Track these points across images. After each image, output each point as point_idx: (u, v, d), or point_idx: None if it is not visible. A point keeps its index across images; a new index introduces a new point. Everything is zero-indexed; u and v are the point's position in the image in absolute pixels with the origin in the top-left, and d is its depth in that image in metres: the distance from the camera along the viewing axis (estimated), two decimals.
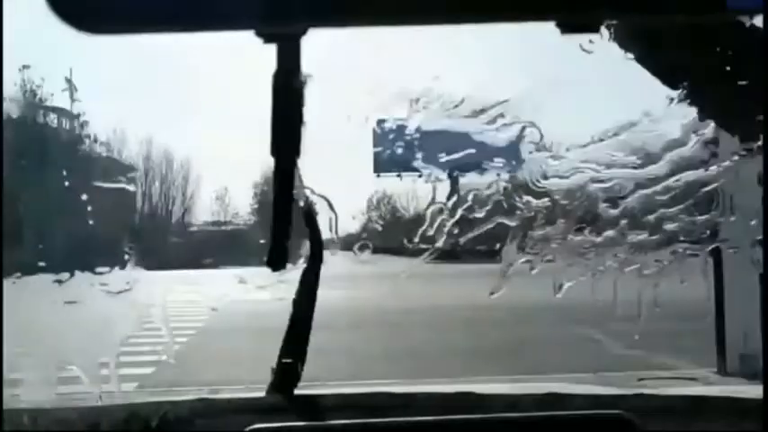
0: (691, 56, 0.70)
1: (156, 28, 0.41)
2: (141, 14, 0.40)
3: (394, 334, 9.19)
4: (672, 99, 0.75)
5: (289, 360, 0.81)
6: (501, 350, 7.76)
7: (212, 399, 0.80)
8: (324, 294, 0.82)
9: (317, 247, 0.78)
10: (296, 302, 0.81)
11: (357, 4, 0.40)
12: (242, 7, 0.40)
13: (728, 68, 0.69)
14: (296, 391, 0.82)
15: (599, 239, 1.38)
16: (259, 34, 0.40)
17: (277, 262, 0.72)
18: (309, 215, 0.77)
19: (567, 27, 0.42)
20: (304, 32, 0.41)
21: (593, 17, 0.42)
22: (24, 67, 41.60)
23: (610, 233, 1.35)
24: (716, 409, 0.83)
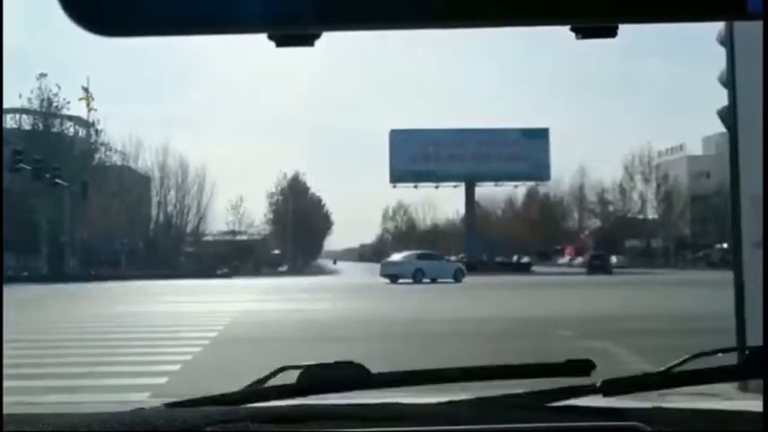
0: None
1: (168, 30, 0.41)
2: (154, 17, 0.40)
3: None
4: None
5: None
6: None
7: (225, 408, 0.80)
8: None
9: None
10: None
11: (370, 8, 0.40)
12: (254, 10, 0.40)
13: None
14: (309, 401, 0.81)
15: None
16: (271, 37, 0.40)
17: None
18: None
19: (583, 32, 0.41)
20: (317, 36, 0.40)
21: (609, 21, 0.41)
22: (42, 75, 42.04)
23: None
24: (732, 423, 0.81)
